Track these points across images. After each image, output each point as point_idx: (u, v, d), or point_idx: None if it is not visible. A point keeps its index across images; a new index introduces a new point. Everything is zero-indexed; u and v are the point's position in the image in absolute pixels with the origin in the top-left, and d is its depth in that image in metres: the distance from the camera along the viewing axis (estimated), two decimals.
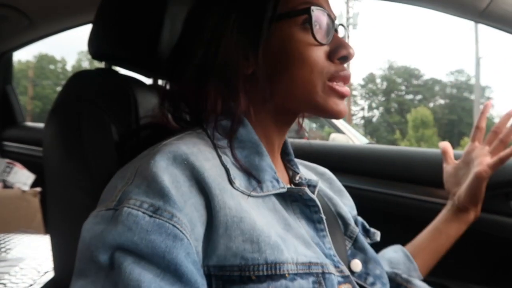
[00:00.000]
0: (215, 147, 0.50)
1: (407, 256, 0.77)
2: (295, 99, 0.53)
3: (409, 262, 0.76)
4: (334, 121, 3.45)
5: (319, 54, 0.51)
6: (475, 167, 0.78)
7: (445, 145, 0.88)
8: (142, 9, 0.64)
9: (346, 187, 0.75)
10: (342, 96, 0.53)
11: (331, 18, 0.53)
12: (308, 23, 0.50)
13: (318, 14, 0.51)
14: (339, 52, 0.52)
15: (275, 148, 0.57)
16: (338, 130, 3.38)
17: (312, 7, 0.50)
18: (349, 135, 3.25)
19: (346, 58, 0.53)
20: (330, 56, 0.52)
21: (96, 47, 0.68)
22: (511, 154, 0.75)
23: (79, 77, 0.66)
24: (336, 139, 3.20)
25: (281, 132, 0.58)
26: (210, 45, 0.51)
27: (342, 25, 0.58)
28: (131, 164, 0.47)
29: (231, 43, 0.50)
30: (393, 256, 0.77)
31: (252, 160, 0.51)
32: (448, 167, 0.86)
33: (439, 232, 0.80)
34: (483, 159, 0.78)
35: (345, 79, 0.53)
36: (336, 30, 0.55)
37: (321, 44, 0.51)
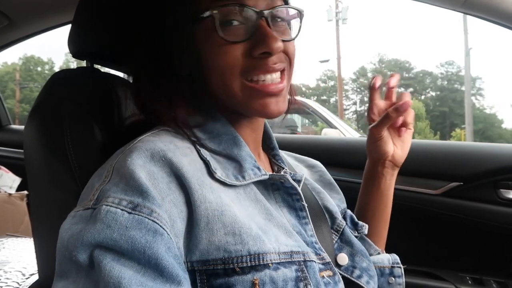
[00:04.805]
0: (193, 142, 0.50)
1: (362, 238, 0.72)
2: (224, 101, 0.52)
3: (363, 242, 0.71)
4: (326, 116, 3.48)
5: (234, 53, 0.49)
6: None
7: None
8: (121, 6, 0.63)
9: (336, 180, 0.75)
10: (265, 93, 0.49)
11: (255, 11, 0.49)
12: (219, 24, 0.48)
13: (228, 12, 0.48)
14: (258, 48, 0.48)
15: (249, 142, 0.56)
16: (330, 125, 3.41)
17: (218, 7, 0.48)
18: (341, 130, 3.28)
19: (267, 54, 0.49)
20: (250, 52, 0.49)
21: (76, 45, 0.67)
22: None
23: (60, 76, 0.65)
24: (328, 134, 3.22)
25: (250, 126, 0.57)
26: (152, 44, 0.53)
27: (263, 16, 0.50)
28: (107, 162, 0.47)
29: (167, 43, 0.52)
30: None
31: (230, 151, 0.51)
32: None
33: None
34: None
35: (264, 70, 0.49)
36: (267, 21, 0.49)
37: (234, 43, 0.49)
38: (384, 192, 0.71)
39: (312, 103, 3.78)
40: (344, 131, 3.26)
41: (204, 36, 0.50)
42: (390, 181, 0.71)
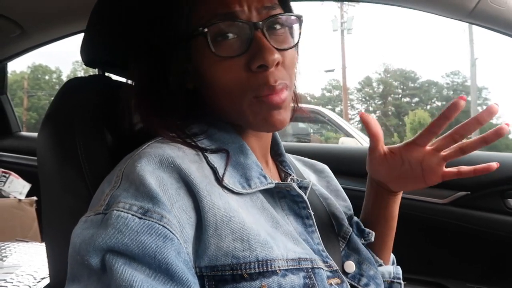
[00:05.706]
0: (201, 149, 0.50)
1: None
2: (230, 116, 0.53)
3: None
4: (343, 124, 3.42)
5: (232, 68, 0.48)
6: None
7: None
8: (133, 15, 0.65)
9: (344, 189, 0.75)
10: (271, 106, 0.49)
11: (248, 24, 0.49)
12: (211, 40, 0.48)
13: (220, 28, 0.48)
14: (254, 62, 0.48)
15: (256, 150, 0.57)
16: (347, 134, 3.36)
17: (210, 25, 0.48)
18: (358, 139, 3.22)
19: (264, 67, 0.48)
20: (249, 65, 0.48)
21: (88, 54, 0.68)
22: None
23: (73, 84, 0.66)
24: (345, 143, 3.17)
25: (256, 135, 0.57)
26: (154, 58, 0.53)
27: (258, 28, 0.49)
28: (115, 167, 0.48)
29: (166, 59, 0.53)
30: None
31: (237, 159, 0.52)
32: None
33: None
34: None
35: (270, 91, 0.49)
36: (263, 34, 0.49)
37: (230, 58, 0.48)
38: (390, 205, 0.68)
39: (327, 111, 3.66)
40: (361, 139, 3.19)
41: (201, 53, 0.50)
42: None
